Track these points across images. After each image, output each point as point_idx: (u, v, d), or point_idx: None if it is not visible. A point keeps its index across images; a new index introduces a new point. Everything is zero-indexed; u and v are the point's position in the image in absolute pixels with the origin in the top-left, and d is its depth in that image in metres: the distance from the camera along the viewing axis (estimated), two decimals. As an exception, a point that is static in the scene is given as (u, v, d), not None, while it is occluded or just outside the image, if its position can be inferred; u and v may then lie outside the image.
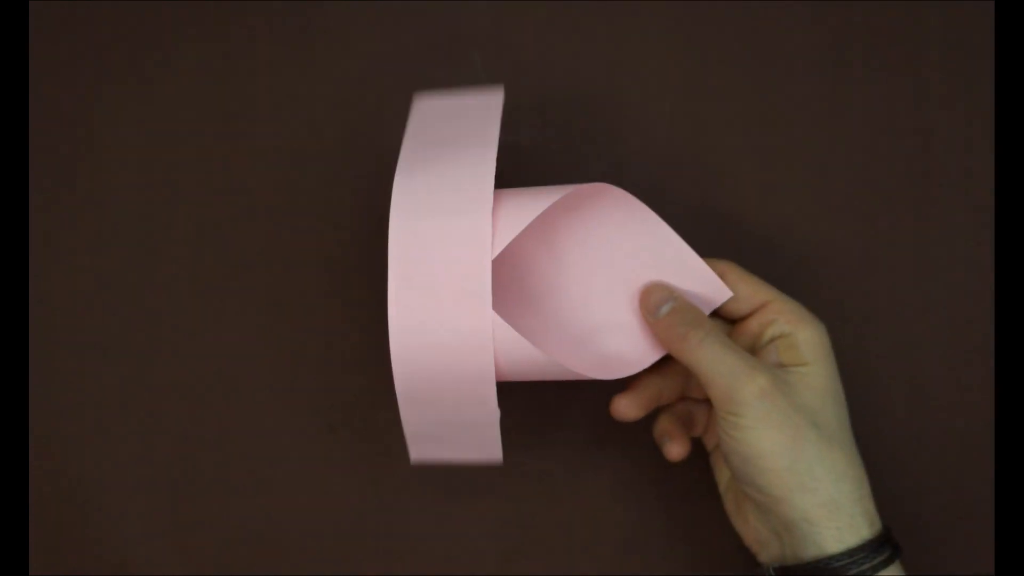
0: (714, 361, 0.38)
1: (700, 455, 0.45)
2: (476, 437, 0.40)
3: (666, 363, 0.43)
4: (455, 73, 0.49)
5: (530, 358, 0.38)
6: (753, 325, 0.41)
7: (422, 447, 0.41)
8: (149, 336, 0.49)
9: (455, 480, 0.45)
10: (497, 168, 0.41)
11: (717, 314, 0.42)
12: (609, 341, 0.42)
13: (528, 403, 0.44)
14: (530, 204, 0.38)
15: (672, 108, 0.48)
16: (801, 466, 0.37)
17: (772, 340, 0.40)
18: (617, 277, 0.42)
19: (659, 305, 0.41)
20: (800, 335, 0.40)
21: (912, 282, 0.47)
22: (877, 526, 0.38)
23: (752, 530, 0.41)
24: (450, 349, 0.37)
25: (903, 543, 0.39)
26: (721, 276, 0.41)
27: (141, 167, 0.49)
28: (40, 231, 0.49)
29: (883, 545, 0.38)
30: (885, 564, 0.37)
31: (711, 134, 0.48)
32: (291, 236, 0.49)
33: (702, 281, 0.41)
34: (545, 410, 0.47)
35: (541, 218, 0.42)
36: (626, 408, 0.42)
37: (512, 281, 0.43)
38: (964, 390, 0.46)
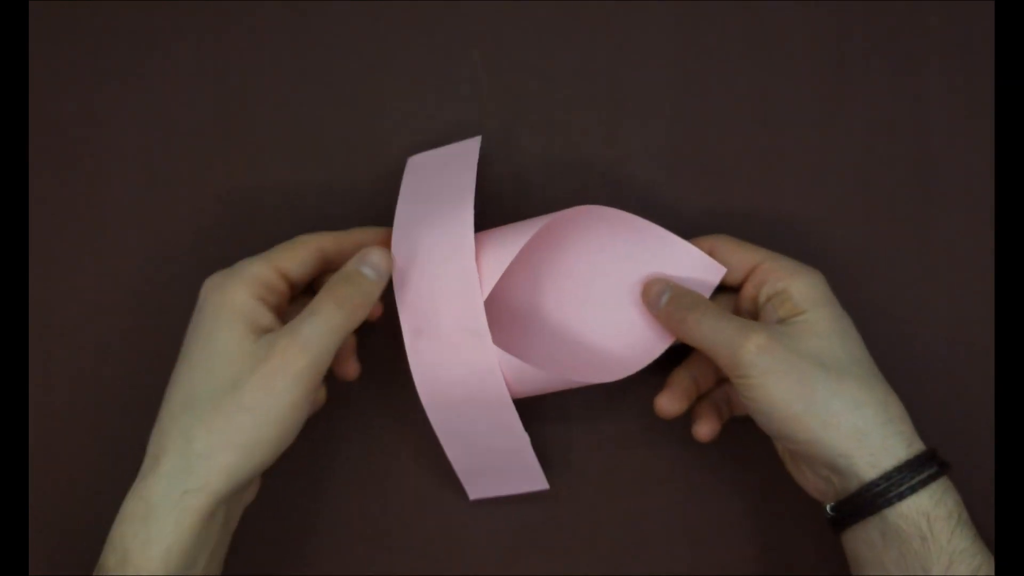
0: (713, 333, 0.39)
1: (694, 454, 0.45)
2: (517, 465, 0.43)
3: (691, 352, 0.44)
4: (455, 73, 0.49)
5: (539, 377, 0.40)
6: (749, 289, 0.42)
7: (475, 485, 0.45)
8: (149, 336, 0.49)
9: (455, 481, 0.45)
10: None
11: (724, 288, 0.43)
12: (619, 342, 0.44)
13: (524, 403, 0.44)
14: (512, 240, 0.41)
15: (672, 108, 0.48)
16: (817, 406, 0.38)
17: (768, 299, 0.41)
18: (616, 281, 0.44)
19: (659, 296, 0.42)
20: (792, 288, 0.40)
21: (912, 282, 0.47)
22: (916, 446, 0.38)
23: (810, 481, 0.41)
24: (466, 383, 0.40)
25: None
26: (712, 251, 0.43)
27: (141, 167, 0.49)
28: (40, 231, 0.49)
29: (925, 463, 0.38)
30: (928, 481, 0.37)
31: (711, 134, 0.48)
32: (291, 236, 0.49)
33: (696, 265, 0.43)
34: (544, 408, 0.47)
35: (531, 249, 0.44)
36: (667, 404, 0.43)
37: (518, 312, 0.45)
38: (964, 390, 0.46)
